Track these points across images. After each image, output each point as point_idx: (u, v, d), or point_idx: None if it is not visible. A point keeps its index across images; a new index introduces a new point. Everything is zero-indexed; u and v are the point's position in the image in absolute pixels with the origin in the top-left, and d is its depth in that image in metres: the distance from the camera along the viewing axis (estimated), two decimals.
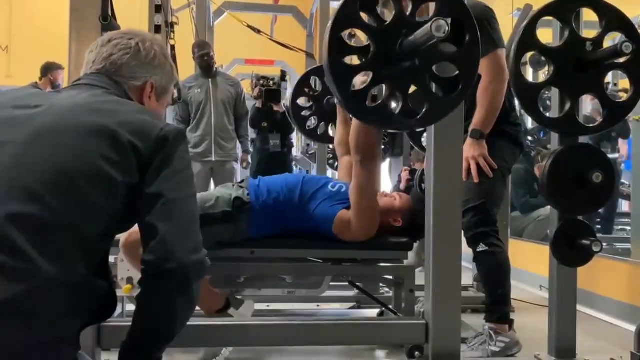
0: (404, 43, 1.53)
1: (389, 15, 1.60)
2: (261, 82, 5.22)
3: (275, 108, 5.16)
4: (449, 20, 1.45)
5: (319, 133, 3.27)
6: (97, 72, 1.27)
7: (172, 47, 3.12)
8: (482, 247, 2.23)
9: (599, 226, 4.73)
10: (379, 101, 1.61)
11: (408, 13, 1.57)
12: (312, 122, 3.25)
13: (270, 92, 5.11)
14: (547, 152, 4.92)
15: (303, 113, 3.28)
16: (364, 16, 1.58)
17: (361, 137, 2.07)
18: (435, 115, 1.66)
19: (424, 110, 1.60)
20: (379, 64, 1.55)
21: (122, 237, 1.87)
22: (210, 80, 4.46)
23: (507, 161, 2.35)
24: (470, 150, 2.19)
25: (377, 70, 1.56)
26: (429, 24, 1.41)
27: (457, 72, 1.60)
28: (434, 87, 1.63)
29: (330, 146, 3.92)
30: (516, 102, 2.40)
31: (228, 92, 4.51)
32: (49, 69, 5.80)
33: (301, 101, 3.34)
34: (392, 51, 1.54)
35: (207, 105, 4.42)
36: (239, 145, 4.70)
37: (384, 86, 1.63)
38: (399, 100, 1.58)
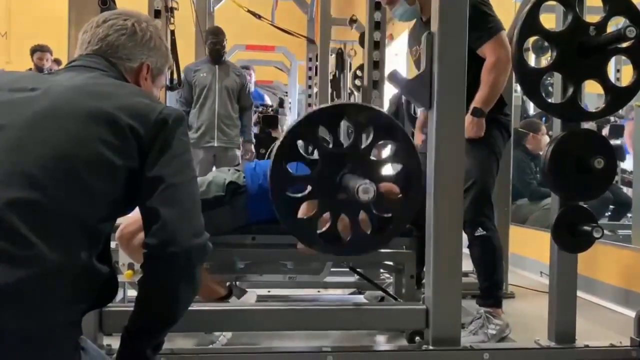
0: (343, 179, 1.65)
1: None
2: (259, 109, 5.32)
3: (274, 134, 5.27)
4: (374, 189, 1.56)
5: None
6: (93, 53, 1.26)
7: (172, 32, 3.10)
8: (480, 232, 2.28)
9: (609, 213, 4.74)
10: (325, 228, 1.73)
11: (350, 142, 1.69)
12: None
13: (268, 118, 5.23)
14: (533, 120, 4.90)
15: None
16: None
17: None
18: (358, 249, 1.83)
19: (348, 239, 1.73)
20: (320, 192, 1.68)
21: (118, 229, 1.88)
22: (217, 66, 4.47)
23: (500, 149, 2.40)
24: (467, 130, 2.20)
25: (319, 198, 1.69)
26: (356, 188, 1.52)
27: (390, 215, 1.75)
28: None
29: None
30: (517, 89, 2.40)
31: (233, 81, 4.51)
32: (33, 52, 5.79)
33: None
34: (333, 183, 1.67)
35: (212, 90, 4.42)
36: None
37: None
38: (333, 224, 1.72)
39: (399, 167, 1.74)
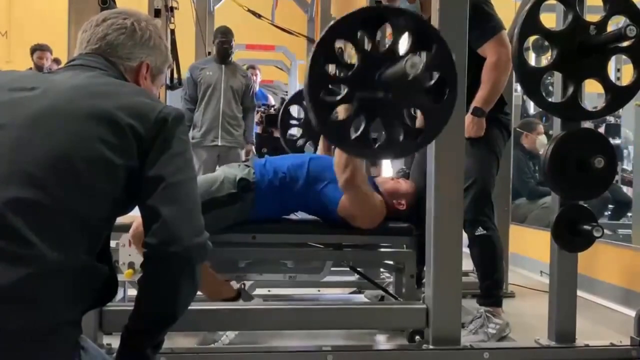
0: (382, 75, 1.57)
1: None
2: (262, 108, 5.34)
3: (276, 134, 5.28)
4: (423, 58, 1.49)
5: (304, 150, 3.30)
6: (93, 53, 1.26)
7: (172, 32, 3.10)
8: (480, 231, 2.28)
9: (608, 212, 4.74)
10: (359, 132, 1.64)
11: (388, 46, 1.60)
12: (300, 142, 3.28)
13: (270, 117, 5.24)
14: (528, 120, 4.93)
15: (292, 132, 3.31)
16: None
17: (344, 167, 2.06)
18: (390, 153, 1.75)
19: (380, 143, 1.64)
20: (357, 93, 1.57)
21: (132, 226, 1.88)
22: (224, 66, 4.47)
23: (500, 148, 2.40)
24: (468, 130, 2.20)
25: (355, 99, 1.59)
26: (404, 60, 1.45)
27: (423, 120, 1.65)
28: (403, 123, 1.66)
29: None
30: (518, 88, 2.40)
31: (239, 82, 4.52)
32: (32, 51, 5.77)
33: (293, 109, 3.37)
34: (371, 83, 1.57)
35: (217, 89, 4.42)
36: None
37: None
38: (362, 126, 1.64)
39: (435, 75, 1.63)
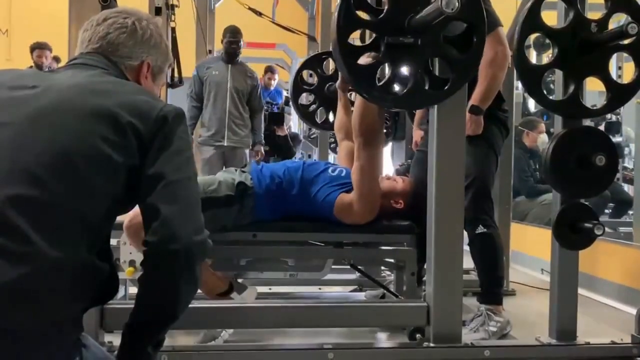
0: (413, 19, 1.54)
1: None
2: (265, 107, 5.34)
3: (278, 131, 5.25)
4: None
5: (317, 119, 3.27)
6: (94, 52, 1.26)
7: (173, 30, 3.11)
8: (481, 229, 2.27)
9: (608, 211, 4.74)
10: (384, 80, 1.62)
11: None
12: (312, 107, 3.25)
13: (274, 115, 5.22)
14: (529, 118, 4.93)
15: (305, 100, 3.28)
16: None
17: (364, 119, 2.07)
18: (413, 102, 1.71)
19: (405, 92, 1.60)
20: (385, 38, 1.54)
21: (125, 219, 1.88)
22: (230, 66, 4.46)
23: (498, 145, 2.40)
24: (466, 128, 2.20)
25: (382, 45, 1.55)
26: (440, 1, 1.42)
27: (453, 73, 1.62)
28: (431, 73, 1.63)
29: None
30: (518, 86, 2.39)
31: (244, 82, 4.49)
32: (32, 50, 5.77)
33: (305, 77, 3.34)
34: (400, 26, 1.54)
35: (222, 89, 4.41)
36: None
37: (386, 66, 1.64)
38: (394, 76, 1.60)
39: (462, 25, 1.61)
